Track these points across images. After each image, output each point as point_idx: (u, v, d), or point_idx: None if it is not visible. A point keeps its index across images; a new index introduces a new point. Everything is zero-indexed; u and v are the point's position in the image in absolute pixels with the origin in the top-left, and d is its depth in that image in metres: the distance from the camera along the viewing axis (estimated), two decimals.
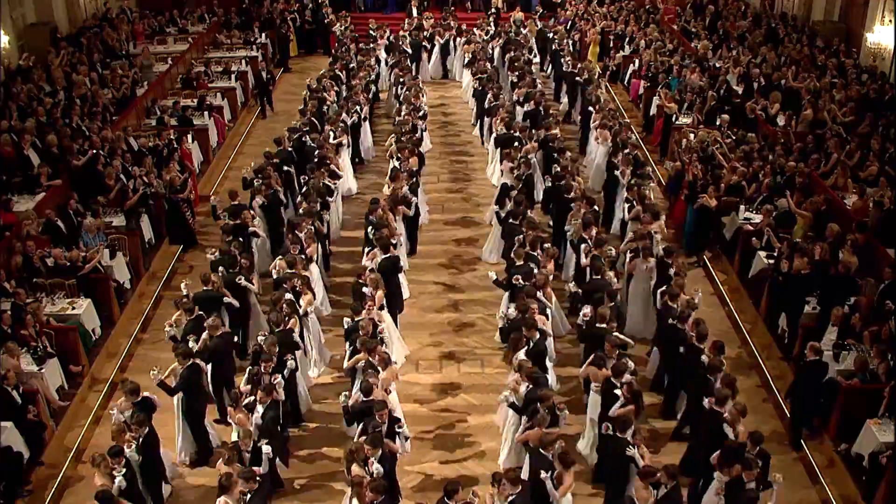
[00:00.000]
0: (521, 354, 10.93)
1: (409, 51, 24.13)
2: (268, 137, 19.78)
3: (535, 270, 12.53)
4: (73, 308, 12.87)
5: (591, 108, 19.12)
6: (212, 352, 11.10)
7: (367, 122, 19.91)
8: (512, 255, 13.08)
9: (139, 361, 13.03)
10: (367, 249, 13.71)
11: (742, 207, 15.30)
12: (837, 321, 11.90)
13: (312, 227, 13.71)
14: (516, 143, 17.02)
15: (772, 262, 13.44)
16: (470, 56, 23.52)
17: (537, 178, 17.00)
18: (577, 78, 21.28)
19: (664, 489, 8.93)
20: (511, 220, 14.15)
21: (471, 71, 22.78)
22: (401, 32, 25.18)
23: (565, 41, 24.34)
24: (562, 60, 22.74)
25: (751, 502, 8.80)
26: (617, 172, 15.81)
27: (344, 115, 18.54)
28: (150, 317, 14.21)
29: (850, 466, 10.62)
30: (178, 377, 10.56)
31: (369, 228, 13.75)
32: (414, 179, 15.91)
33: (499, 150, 17.60)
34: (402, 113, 18.80)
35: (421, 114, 19.11)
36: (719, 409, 9.89)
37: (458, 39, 25.50)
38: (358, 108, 19.04)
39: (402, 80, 21.17)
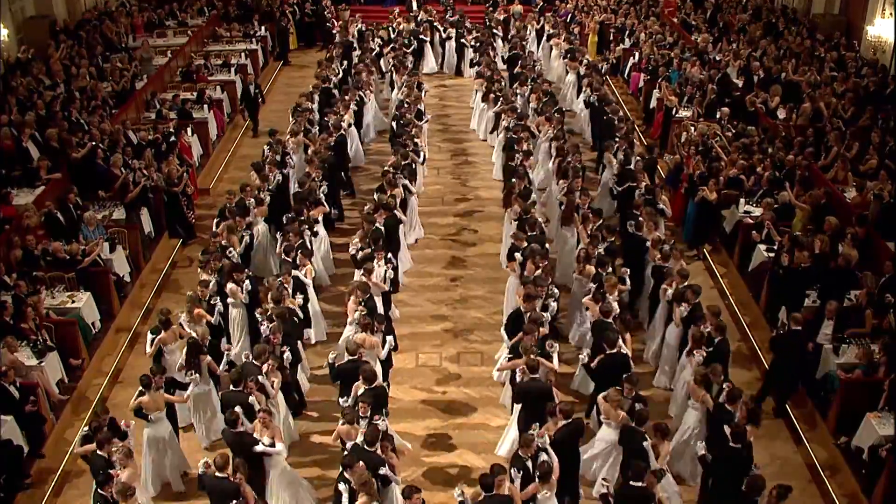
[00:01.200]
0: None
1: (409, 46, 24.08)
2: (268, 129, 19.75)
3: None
4: (73, 301, 12.88)
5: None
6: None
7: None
8: (512, 239, 13.27)
9: (138, 355, 13.02)
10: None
11: (742, 201, 15.30)
12: (831, 315, 11.91)
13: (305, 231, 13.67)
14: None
15: (772, 255, 13.44)
16: (474, 52, 23.50)
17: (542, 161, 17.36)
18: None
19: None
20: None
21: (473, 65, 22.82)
22: (402, 26, 25.12)
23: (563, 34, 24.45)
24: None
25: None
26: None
27: (352, 105, 18.65)
28: (151, 309, 14.19)
29: (850, 460, 10.65)
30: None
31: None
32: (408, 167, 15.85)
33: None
34: (401, 114, 18.50)
35: (424, 121, 18.72)
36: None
37: (450, 31, 25.46)
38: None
39: (401, 77, 20.88)
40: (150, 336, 11.26)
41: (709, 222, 15.35)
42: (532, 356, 10.36)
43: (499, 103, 19.22)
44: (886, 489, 9.79)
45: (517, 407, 10.77)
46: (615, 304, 11.52)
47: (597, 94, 19.15)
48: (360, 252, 12.88)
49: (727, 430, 9.33)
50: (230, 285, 12.11)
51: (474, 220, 17.10)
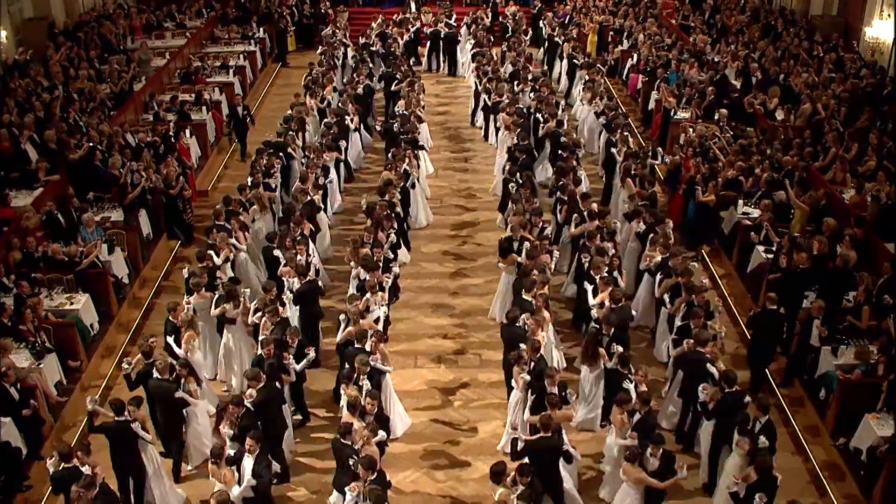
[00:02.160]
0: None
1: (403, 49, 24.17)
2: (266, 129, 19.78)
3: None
4: (72, 303, 12.86)
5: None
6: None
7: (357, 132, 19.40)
8: (510, 232, 13.51)
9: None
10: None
11: (740, 202, 15.30)
12: (818, 313, 11.89)
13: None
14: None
15: (770, 256, 13.45)
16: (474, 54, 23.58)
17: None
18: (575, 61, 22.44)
19: (638, 415, 9.76)
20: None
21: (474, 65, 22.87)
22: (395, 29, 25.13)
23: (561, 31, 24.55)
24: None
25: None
26: (614, 150, 16.55)
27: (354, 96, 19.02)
28: (151, 307, 14.25)
29: (849, 461, 10.67)
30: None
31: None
32: (409, 181, 15.88)
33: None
34: (402, 112, 18.51)
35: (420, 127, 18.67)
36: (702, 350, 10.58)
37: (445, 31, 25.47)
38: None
39: (400, 78, 20.88)
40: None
41: (707, 224, 15.36)
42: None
43: (500, 100, 19.22)
44: (885, 490, 9.80)
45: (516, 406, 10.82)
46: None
47: (596, 92, 19.35)
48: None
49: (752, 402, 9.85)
50: (254, 306, 11.91)
51: (474, 219, 17.12)
